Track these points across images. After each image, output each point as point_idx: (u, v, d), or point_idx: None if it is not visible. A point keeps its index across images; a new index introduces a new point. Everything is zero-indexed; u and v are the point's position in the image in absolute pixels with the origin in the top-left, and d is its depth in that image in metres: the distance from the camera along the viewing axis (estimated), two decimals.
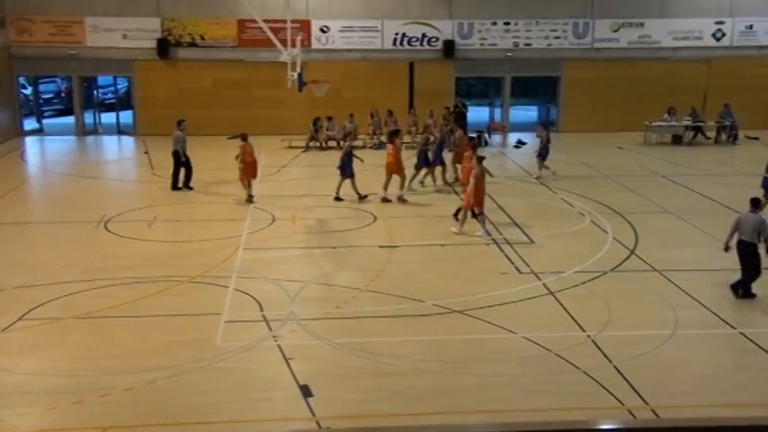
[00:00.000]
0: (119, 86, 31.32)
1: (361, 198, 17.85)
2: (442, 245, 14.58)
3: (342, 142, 25.07)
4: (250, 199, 17.80)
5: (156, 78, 27.94)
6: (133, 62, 27.82)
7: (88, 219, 16.29)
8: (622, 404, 8.48)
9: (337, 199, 17.88)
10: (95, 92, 30.67)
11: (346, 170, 17.86)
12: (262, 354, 9.78)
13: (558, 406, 8.45)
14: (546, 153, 20.81)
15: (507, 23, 28.55)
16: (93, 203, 18.08)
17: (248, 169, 17.92)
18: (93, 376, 9.08)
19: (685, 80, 28.76)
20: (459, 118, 25.57)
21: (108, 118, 30.21)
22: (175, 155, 19.31)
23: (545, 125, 22.02)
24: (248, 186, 17.95)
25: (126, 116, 29.56)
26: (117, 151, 27.81)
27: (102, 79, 31.14)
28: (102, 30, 27.39)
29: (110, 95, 31.70)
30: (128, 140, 28.26)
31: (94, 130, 29.50)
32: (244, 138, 18.09)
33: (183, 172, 19.40)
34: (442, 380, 9.12)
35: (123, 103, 30.48)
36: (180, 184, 19.28)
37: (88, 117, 29.57)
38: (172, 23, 27.65)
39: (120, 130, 29.32)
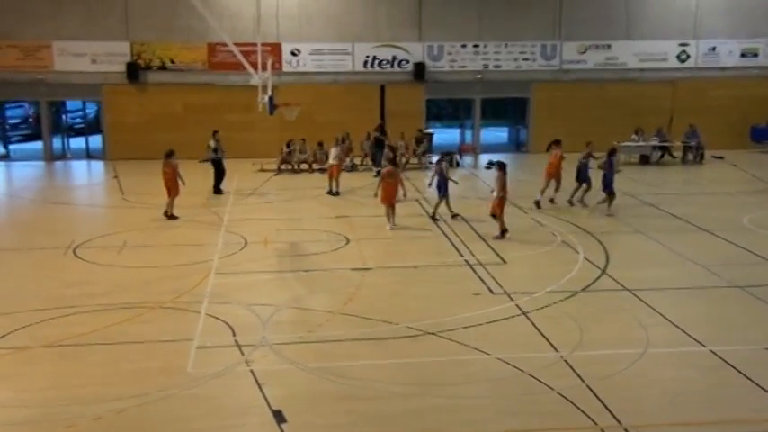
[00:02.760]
0: (88, 111, 31.10)
1: (454, 216, 18.19)
2: (415, 267, 14.58)
3: (313, 165, 25.18)
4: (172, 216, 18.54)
5: (126, 103, 27.82)
6: (102, 86, 27.69)
7: (56, 245, 16.07)
8: (596, 423, 8.50)
9: (434, 219, 18.17)
10: (64, 116, 30.41)
11: (441, 189, 17.95)
12: (234, 379, 9.67)
13: (532, 427, 8.45)
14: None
15: (477, 46, 28.89)
16: (61, 229, 17.85)
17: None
18: (61, 406, 8.91)
19: (652, 101, 29.29)
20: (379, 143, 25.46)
21: (77, 143, 29.97)
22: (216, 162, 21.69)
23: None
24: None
25: (95, 141, 29.33)
26: (86, 176, 27.54)
27: (71, 104, 30.91)
28: (71, 54, 27.26)
29: (79, 120, 31.45)
30: (97, 165, 28.02)
31: (63, 156, 29.23)
32: (168, 155, 18.84)
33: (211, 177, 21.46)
34: (416, 402, 9.07)
35: (92, 127, 30.26)
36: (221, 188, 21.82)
37: (56, 142, 29.31)
38: (141, 47, 27.59)
39: (89, 155, 29.07)
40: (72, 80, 27.35)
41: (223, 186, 22.03)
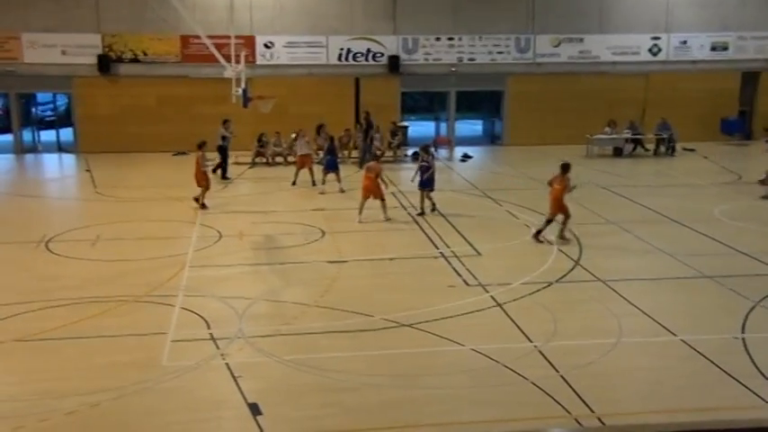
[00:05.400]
0: (58, 103, 30.69)
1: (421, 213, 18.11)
2: (391, 259, 14.62)
3: (288, 157, 25.09)
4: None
5: (98, 95, 27.49)
6: (73, 78, 27.32)
7: (28, 239, 15.88)
8: (569, 413, 8.59)
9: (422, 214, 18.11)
10: (34, 109, 29.99)
11: (429, 183, 18.00)
12: (209, 373, 9.64)
13: (507, 417, 8.53)
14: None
15: (451, 39, 28.93)
16: (32, 223, 17.65)
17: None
18: (34, 400, 8.82)
19: (624, 94, 29.54)
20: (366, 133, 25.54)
21: (48, 135, 29.58)
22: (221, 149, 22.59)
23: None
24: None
25: (66, 133, 28.97)
26: (57, 169, 27.22)
27: (41, 96, 30.48)
28: (41, 46, 26.87)
29: (49, 112, 31.03)
30: (69, 158, 27.69)
31: (34, 148, 28.85)
32: (199, 146, 18.92)
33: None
34: (392, 394, 9.11)
35: (63, 120, 29.87)
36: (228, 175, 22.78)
37: (27, 135, 28.89)
38: (113, 39, 27.27)
39: (60, 148, 28.72)
40: (42, 72, 26.97)
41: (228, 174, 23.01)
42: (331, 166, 20.74)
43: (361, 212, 17.51)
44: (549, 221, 15.66)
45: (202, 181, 18.58)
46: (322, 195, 20.38)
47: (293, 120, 25.80)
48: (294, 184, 21.64)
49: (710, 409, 8.71)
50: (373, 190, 17.46)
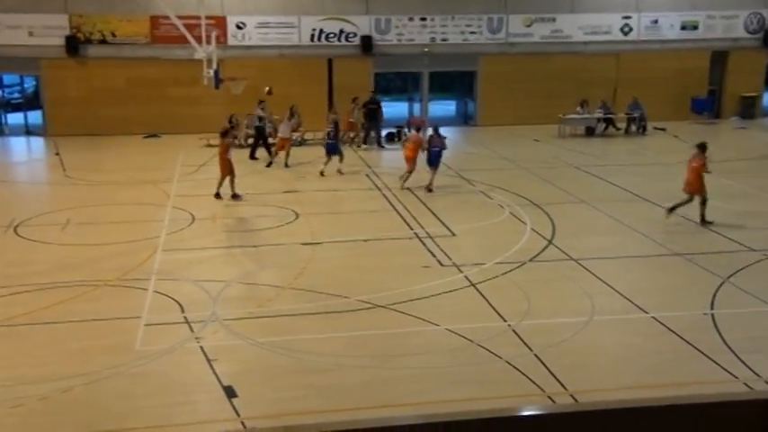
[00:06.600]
0: (26, 86, 30.16)
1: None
2: (365, 240, 14.62)
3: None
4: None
5: (66, 77, 27.03)
6: (40, 60, 26.83)
7: None
8: (543, 390, 8.69)
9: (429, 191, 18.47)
10: (0, 91, 29.45)
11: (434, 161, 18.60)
12: (183, 356, 9.60)
13: (481, 395, 8.60)
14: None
15: (424, 19, 28.82)
16: (0, 207, 17.36)
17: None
18: (5, 387, 8.73)
19: (596, 73, 29.67)
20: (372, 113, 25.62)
21: (15, 118, 29.06)
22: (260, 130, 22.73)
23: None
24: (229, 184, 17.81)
25: (35, 116, 28.49)
26: (26, 153, 26.81)
27: (8, 78, 29.91)
28: (6, 27, 26.32)
29: (16, 95, 30.48)
30: (37, 141, 27.25)
31: (1, 132, 28.34)
32: (223, 134, 18.11)
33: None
34: (368, 374, 9.15)
35: (31, 102, 29.37)
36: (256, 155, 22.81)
37: None
38: (80, 20, 26.80)
39: (28, 131, 28.24)
40: (8, 53, 26.43)
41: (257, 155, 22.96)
42: (332, 150, 20.55)
43: (405, 180, 18.60)
44: (688, 201, 15.51)
45: (226, 170, 17.58)
46: (293, 176, 20.29)
47: (265, 101, 25.60)
48: (269, 165, 21.55)
49: (682, 384, 8.85)
50: (412, 159, 18.47)
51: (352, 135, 25.54)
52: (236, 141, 24.92)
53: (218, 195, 17.73)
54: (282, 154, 21.78)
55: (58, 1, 26.53)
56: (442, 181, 19.30)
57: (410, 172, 18.69)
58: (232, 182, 17.69)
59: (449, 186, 19.23)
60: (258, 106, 22.98)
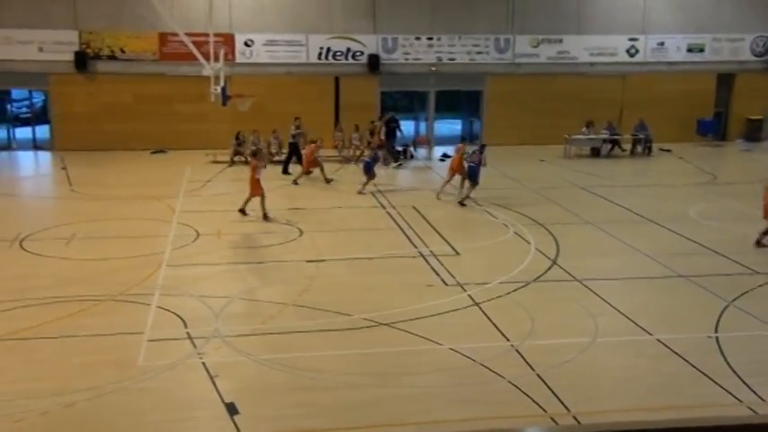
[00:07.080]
0: (34, 100, 30.37)
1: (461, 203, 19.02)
2: (370, 258, 14.62)
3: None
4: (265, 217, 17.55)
5: (74, 92, 27.22)
6: (49, 75, 27.03)
7: (1, 237, 15.68)
8: (545, 411, 8.65)
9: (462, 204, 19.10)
10: (9, 106, 29.65)
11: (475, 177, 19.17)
12: (186, 372, 9.60)
13: (484, 415, 8.57)
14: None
15: (431, 38, 28.97)
16: (6, 221, 17.43)
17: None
18: (8, 401, 8.72)
19: (602, 94, 29.73)
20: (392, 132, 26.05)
21: (23, 133, 29.24)
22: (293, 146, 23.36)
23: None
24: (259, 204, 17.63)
25: (42, 131, 28.66)
26: (33, 167, 26.93)
27: (17, 93, 30.14)
28: (16, 42, 26.54)
29: (25, 110, 30.69)
30: (44, 156, 27.40)
31: (8, 146, 28.50)
32: (253, 154, 18.58)
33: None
34: (370, 393, 9.12)
35: (39, 117, 29.56)
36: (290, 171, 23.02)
37: (1, 132, 28.57)
38: (90, 36, 27.01)
39: (36, 146, 28.41)
40: (17, 68, 26.65)
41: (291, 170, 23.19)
42: (369, 170, 20.74)
43: (441, 189, 19.66)
44: None
45: (256, 190, 17.44)
46: (300, 193, 20.35)
47: (272, 119, 25.75)
48: (296, 183, 21.96)
49: (685, 406, 8.80)
50: (458, 169, 19.26)
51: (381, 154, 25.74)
52: (263, 164, 24.95)
53: (242, 211, 17.75)
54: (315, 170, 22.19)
55: (68, 17, 26.76)
56: (447, 199, 19.32)
57: (449, 182, 19.74)
58: (262, 203, 17.48)
59: (453, 205, 19.24)
60: (294, 123, 23.79)
